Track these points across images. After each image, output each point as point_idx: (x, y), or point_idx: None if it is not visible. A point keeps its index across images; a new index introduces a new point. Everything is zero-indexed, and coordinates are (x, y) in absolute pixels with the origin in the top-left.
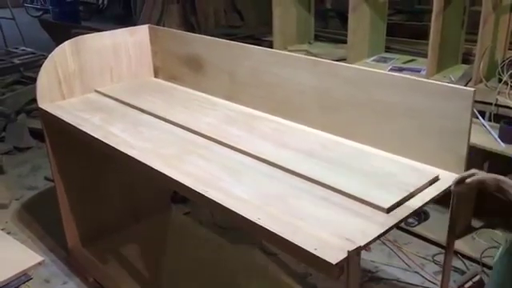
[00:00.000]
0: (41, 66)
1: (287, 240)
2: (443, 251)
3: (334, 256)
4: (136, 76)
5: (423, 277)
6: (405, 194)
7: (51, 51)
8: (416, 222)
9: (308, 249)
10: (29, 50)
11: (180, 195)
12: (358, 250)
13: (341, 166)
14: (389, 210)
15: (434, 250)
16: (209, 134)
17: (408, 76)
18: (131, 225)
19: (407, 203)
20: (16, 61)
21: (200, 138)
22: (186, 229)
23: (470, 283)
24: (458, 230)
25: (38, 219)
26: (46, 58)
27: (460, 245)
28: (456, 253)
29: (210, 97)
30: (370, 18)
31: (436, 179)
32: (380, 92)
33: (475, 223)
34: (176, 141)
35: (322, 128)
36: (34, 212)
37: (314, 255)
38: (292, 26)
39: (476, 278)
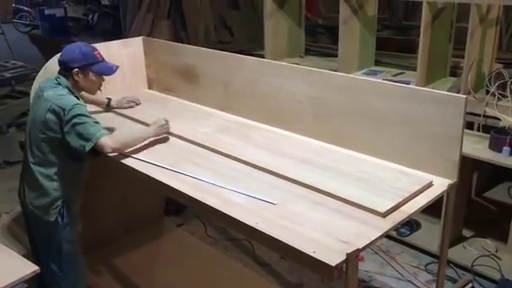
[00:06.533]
0: (32, 79)
1: (286, 243)
2: (436, 260)
3: (333, 258)
4: (130, 88)
5: (416, 286)
6: (400, 199)
7: (40, 66)
8: (408, 232)
9: (307, 252)
10: (19, 63)
11: (173, 207)
12: (357, 252)
13: (335, 172)
14: (385, 215)
15: (427, 259)
16: (204, 143)
17: (401, 84)
18: (124, 237)
19: (402, 208)
20: (7, 74)
21: (196, 146)
22: (178, 240)
23: None
24: (449, 238)
25: None
26: (37, 72)
27: (452, 254)
28: (448, 262)
29: (205, 107)
30: (359, 31)
31: (430, 185)
32: (374, 100)
33: (466, 232)
34: (172, 150)
35: (316, 136)
36: (24, 225)
37: (314, 258)
38: (283, 40)
39: (468, 286)
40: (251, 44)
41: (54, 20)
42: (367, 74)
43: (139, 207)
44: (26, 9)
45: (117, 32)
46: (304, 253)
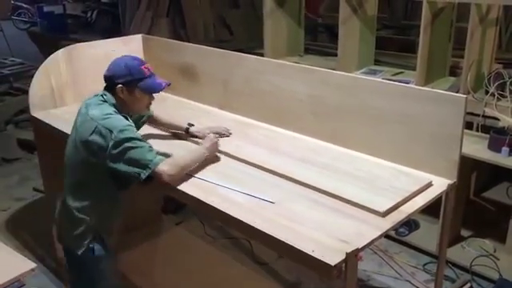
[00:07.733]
0: (30, 76)
1: (285, 242)
2: (434, 260)
3: (332, 258)
4: None
5: (414, 285)
6: (399, 199)
7: (38, 63)
8: (407, 232)
9: (306, 251)
10: (18, 60)
11: (171, 206)
12: (356, 251)
13: (335, 171)
14: (385, 214)
15: (425, 259)
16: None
17: (401, 84)
18: (123, 235)
19: (402, 208)
20: (5, 71)
21: (194, 145)
22: (177, 239)
23: None
24: (448, 238)
25: (26, 230)
26: (35, 69)
27: (450, 254)
28: (446, 261)
29: (204, 106)
30: (359, 30)
31: (429, 185)
32: (373, 99)
33: (464, 232)
34: (171, 149)
35: (315, 135)
36: (21, 223)
37: (313, 257)
38: (282, 39)
39: (466, 286)
40: (251, 43)
41: (52, 17)
42: (367, 73)
43: (137, 206)
44: (24, 6)
45: (116, 30)
46: (303, 252)
